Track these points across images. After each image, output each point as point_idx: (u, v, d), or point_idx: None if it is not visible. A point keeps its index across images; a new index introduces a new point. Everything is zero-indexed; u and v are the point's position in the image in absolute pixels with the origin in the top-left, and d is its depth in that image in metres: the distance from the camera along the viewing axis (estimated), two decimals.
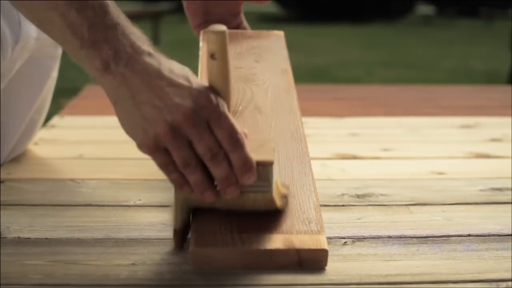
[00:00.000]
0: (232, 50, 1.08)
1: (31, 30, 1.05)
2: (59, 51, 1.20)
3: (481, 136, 1.46)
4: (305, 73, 5.23)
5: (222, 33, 0.72)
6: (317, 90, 2.42)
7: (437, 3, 15.35)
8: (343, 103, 1.98)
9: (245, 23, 1.16)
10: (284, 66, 1.07)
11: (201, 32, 1.09)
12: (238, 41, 1.11)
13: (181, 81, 0.72)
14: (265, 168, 0.74)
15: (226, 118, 0.73)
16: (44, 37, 1.10)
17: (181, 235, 0.78)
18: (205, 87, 0.73)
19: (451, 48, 7.73)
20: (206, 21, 1.12)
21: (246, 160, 0.72)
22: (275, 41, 1.14)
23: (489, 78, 5.15)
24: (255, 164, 0.73)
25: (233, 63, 1.05)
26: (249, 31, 1.16)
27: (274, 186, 0.76)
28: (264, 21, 10.37)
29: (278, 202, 0.78)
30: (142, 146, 0.73)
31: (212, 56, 0.73)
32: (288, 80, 1.03)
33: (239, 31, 1.15)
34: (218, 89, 0.74)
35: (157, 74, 0.72)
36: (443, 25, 11.14)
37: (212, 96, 0.73)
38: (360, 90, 2.47)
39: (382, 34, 9.32)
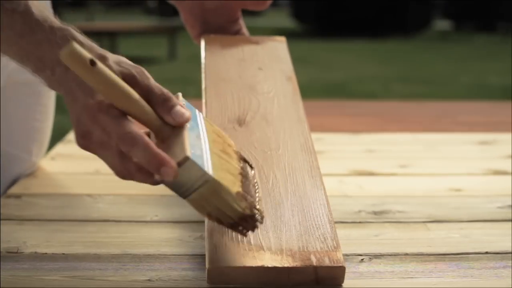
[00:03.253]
0: (235, 57, 1.08)
1: None
2: None
3: (499, 153, 1.45)
4: (322, 89, 5.23)
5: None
6: (334, 105, 2.42)
7: (454, 19, 15.34)
8: (359, 119, 1.97)
9: (244, 29, 1.16)
10: (289, 74, 1.06)
11: (202, 40, 1.09)
12: (239, 47, 1.10)
13: (79, 95, 0.72)
14: (184, 165, 0.67)
15: (111, 124, 0.69)
16: None
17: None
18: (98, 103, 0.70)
19: (469, 63, 7.71)
20: (205, 31, 1.12)
21: (150, 154, 0.67)
22: (278, 47, 1.13)
23: (506, 93, 5.13)
24: (166, 157, 0.67)
25: (236, 70, 1.05)
26: (250, 37, 1.15)
27: (220, 174, 0.71)
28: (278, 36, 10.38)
29: (235, 190, 0.72)
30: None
31: (92, 62, 0.65)
32: (293, 88, 1.03)
33: (240, 36, 1.14)
34: (108, 96, 0.68)
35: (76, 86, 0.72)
36: (460, 40, 11.12)
37: (98, 108, 0.69)
38: (376, 106, 2.46)
39: (399, 50, 9.31)
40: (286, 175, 0.87)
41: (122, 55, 0.75)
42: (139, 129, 0.68)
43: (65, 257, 0.81)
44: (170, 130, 0.71)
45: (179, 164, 0.67)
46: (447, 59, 8.25)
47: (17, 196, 1.05)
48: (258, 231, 0.77)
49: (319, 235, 0.78)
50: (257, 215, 0.73)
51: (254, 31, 1.22)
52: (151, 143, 0.67)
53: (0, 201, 1.03)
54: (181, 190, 0.69)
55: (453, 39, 11.39)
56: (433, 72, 6.95)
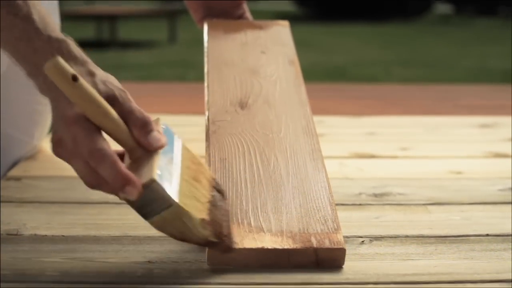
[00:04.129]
0: (237, 41, 1.07)
1: None
2: None
3: (499, 136, 1.44)
4: (323, 72, 5.22)
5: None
6: (335, 89, 2.41)
7: (455, 2, 15.27)
8: (360, 102, 1.97)
9: (248, 13, 1.16)
10: (291, 57, 1.06)
11: (205, 24, 1.08)
12: (242, 32, 1.10)
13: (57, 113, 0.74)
14: (149, 187, 0.67)
15: (83, 142, 0.70)
16: None
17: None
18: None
19: (470, 47, 7.69)
20: (208, 15, 1.12)
21: (116, 172, 0.68)
22: (281, 31, 1.13)
23: (507, 77, 5.11)
24: (131, 176, 0.67)
25: (239, 54, 1.05)
26: (253, 21, 1.15)
27: (185, 200, 0.70)
28: (281, 20, 10.35)
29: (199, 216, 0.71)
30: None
31: (74, 78, 0.66)
32: (296, 71, 1.02)
33: (243, 21, 1.14)
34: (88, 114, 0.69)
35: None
36: (461, 24, 11.08)
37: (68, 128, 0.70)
38: (377, 89, 2.46)
39: (400, 33, 9.27)
40: (287, 157, 0.87)
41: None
42: (109, 147, 0.69)
43: (65, 239, 0.81)
44: (143, 151, 0.71)
45: (145, 185, 0.67)
46: (448, 42, 8.23)
47: (17, 179, 1.05)
48: (258, 212, 0.77)
49: (319, 217, 0.78)
50: (225, 241, 0.73)
51: (255, 14, 1.21)
52: (119, 161, 0.68)
53: (0, 183, 1.03)
54: (144, 211, 0.69)
55: (454, 23, 11.36)
56: (434, 55, 6.93)
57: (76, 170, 0.71)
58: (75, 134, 0.69)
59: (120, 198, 0.69)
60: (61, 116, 0.71)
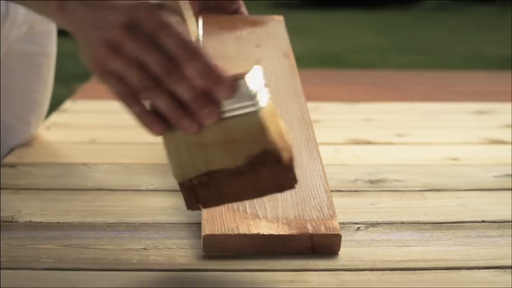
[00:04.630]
0: (232, 35, 1.07)
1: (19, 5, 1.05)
2: (53, 27, 1.20)
3: (496, 122, 1.44)
4: (319, 59, 5.21)
5: None
6: (331, 75, 2.41)
7: None
8: (357, 89, 1.97)
9: (243, 8, 1.15)
10: (286, 50, 1.06)
11: (200, 19, 1.08)
12: (237, 26, 1.10)
13: (121, 2, 0.67)
14: (242, 81, 0.64)
15: (171, 27, 0.64)
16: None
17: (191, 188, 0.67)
18: (145, 2, 0.66)
19: (466, 34, 7.68)
20: (204, 7, 1.12)
21: (210, 67, 0.63)
22: (275, 25, 1.13)
23: (504, 64, 5.11)
24: (224, 71, 0.63)
25: (234, 47, 1.05)
26: (248, 16, 1.15)
27: (267, 112, 0.66)
28: (277, 7, 10.33)
29: (277, 141, 0.65)
30: (93, 72, 0.68)
31: None
32: (290, 64, 1.03)
33: (238, 16, 1.14)
34: (175, 11, 0.68)
35: (101, 2, 0.68)
36: (458, 10, 11.06)
37: (153, 8, 0.65)
38: (374, 75, 2.46)
39: (397, 20, 9.26)
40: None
41: None
42: None
43: (60, 226, 0.81)
44: None
45: (239, 77, 0.64)
46: (445, 29, 8.22)
47: (12, 165, 1.05)
48: (254, 200, 0.77)
49: (315, 204, 0.78)
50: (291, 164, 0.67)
51: (250, 3, 1.21)
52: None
53: None
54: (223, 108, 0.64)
55: (451, 10, 11.34)
56: (431, 42, 6.92)
57: (126, 75, 0.65)
58: (161, 23, 0.63)
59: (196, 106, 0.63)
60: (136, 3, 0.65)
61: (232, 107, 0.64)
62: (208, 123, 0.63)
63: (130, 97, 0.65)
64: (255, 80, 0.66)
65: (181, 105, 0.64)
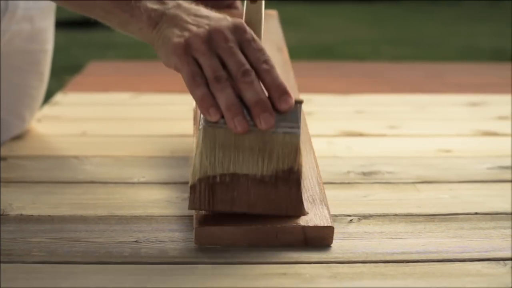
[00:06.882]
0: None
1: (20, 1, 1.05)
2: (51, 23, 1.20)
3: (488, 114, 1.44)
4: (311, 51, 5.20)
5: None
6: (323, 67, 2.41)
7: None
8: (349, 80, 1.97)
9: (238, 3, 1.15)
10: (279, 44, 1.06)
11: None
12: None
13: (219, 14, 0.78)
14: (296, 106, 0.73)
15: (259, 42, 0.75)
16: (33, 7, 1.09)
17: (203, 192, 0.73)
18: (241, 20, 0.77)
19: (458, 25, 7.68)
20: (198, 1, 1.11)
21: (281, 81, 0.72)
22: (269, 20, 1.13)
23: (496, 55, 5.12)
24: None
25: None
26: (241, 11, 1.14)
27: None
28: (270, 9, 10.31)
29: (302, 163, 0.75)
30: (172, 51, 0.74)
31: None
32: (284, 58, 1.03)
33: (232, 10, 1.14)
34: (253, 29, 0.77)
35: (200, 10, 0.79)
36: (450, 2, 11.06)
37: (247, 26, 0.75)
38: (366, 67, 2.45)
39: (388, 12, 9.25)
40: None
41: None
42: None
43: (51, 219, 0.80)
44: None
45: (297, 101, 0.73)
46: (437, 21, 8.22)
47: (3, 158, 1.04)
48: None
49: (307, 196, 0.78)
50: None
51: None
52: None
53: None
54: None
55: (443, 1, 11.35)
56: (423, 34, 6.92)
57: (210, 63, 0.73)
58: (247, 33, 0.74)
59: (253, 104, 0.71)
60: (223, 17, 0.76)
61: (279, 124, 0.72)
62: (261, 127, 0.71)
63: (198, 80, 0.72)
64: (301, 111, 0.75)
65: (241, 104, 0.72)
